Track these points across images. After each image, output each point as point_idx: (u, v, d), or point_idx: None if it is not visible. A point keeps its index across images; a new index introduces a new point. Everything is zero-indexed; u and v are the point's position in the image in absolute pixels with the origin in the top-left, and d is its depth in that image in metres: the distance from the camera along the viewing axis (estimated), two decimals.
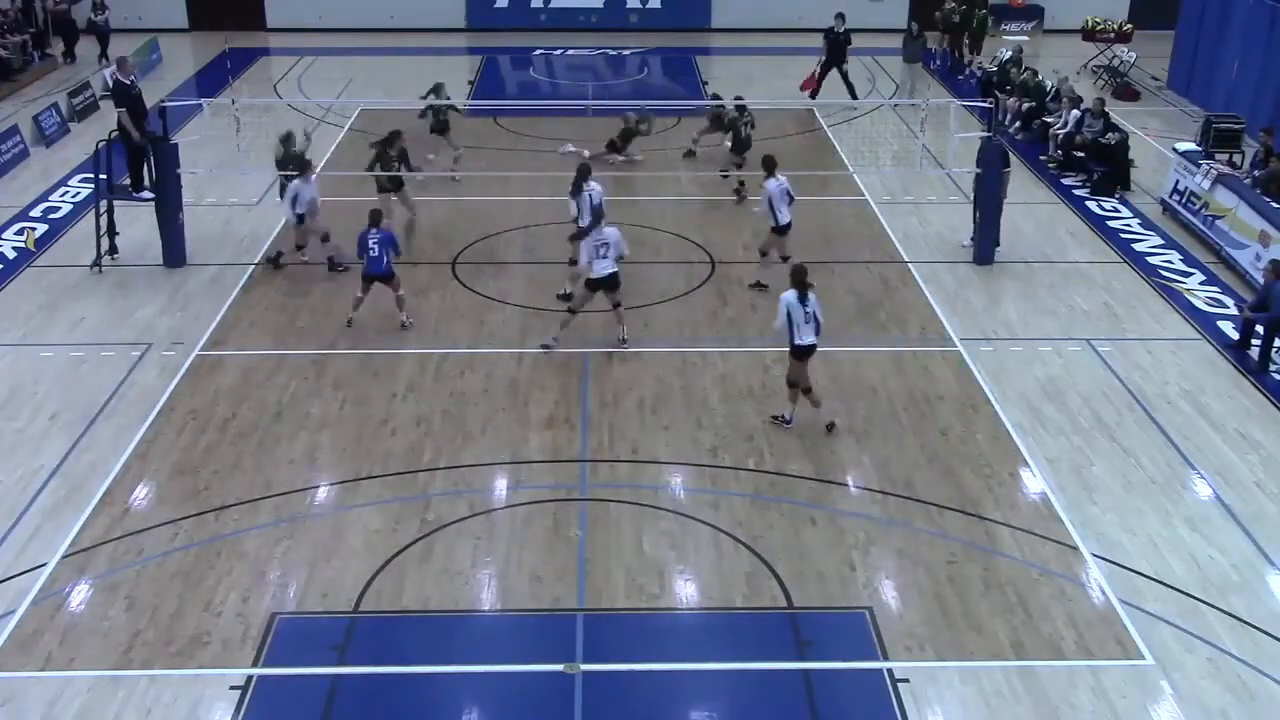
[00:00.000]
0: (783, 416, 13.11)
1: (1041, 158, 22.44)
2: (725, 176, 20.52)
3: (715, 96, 22.61)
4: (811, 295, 12.70)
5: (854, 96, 25.70)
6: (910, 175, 20.72)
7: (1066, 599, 10.47)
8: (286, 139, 17.61)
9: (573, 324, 14.70)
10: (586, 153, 21.16)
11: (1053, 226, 19.26)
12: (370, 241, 14.92)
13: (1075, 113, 22.42)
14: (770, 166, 16.22)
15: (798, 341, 12.67)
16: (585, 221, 15.43)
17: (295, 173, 17.02)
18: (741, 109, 20.73)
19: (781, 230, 16.23)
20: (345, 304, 15.98)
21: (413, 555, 10.97)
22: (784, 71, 24.58)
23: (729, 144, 20.62)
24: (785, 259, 15.81)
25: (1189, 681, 9.53)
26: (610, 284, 14.56)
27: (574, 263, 15.50)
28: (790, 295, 12.59)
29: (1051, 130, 22.98)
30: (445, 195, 19.95)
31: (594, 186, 15.69)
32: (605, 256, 14.41)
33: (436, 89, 21.57)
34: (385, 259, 14.92)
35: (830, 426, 12.99)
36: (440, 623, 10.23)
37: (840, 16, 25.70)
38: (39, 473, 12.28)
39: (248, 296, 16.41)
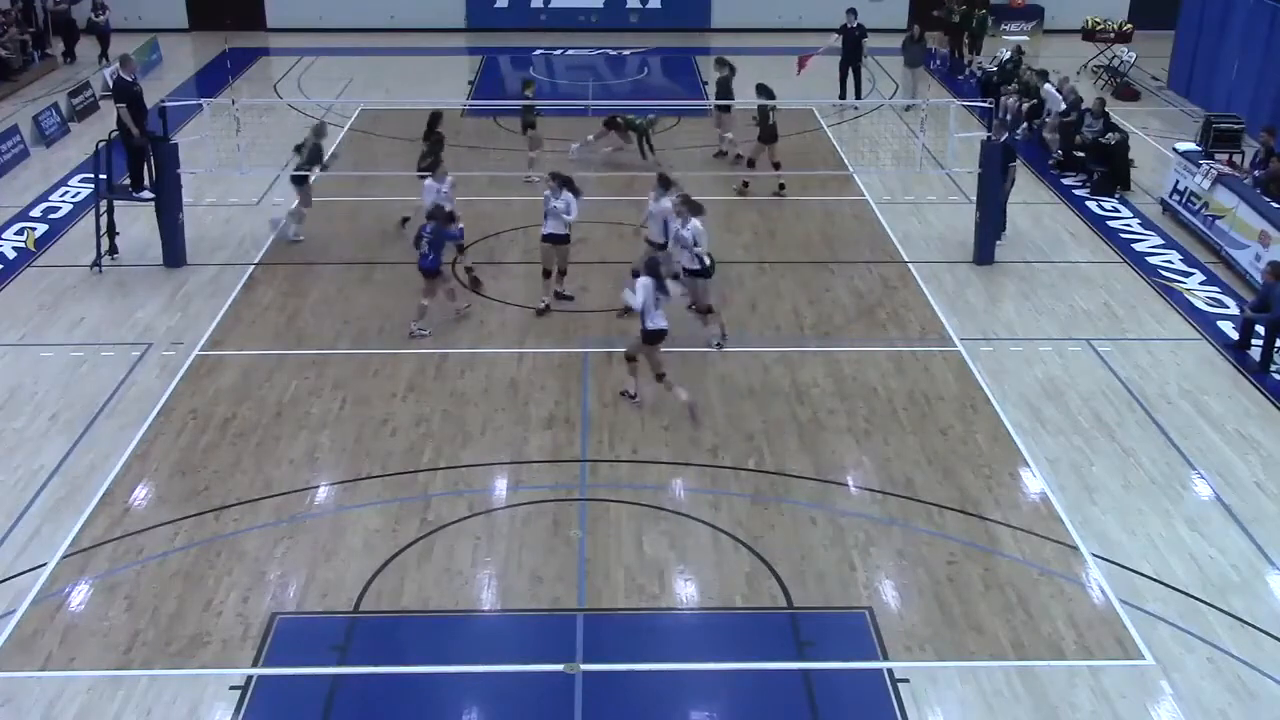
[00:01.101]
0: (628, 392, 13.54)
1: (1051, 159, 22.35)
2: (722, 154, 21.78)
3: (763, 90, 20.36)
4: (668, 283, 13.11)
5: (858, 96, 25.69)
6: (910, 175, 20.72)
7: (1066, 599, 10.47)
8: (318, 131, 18.12)
9: (575, 325, 14.69)
10: (591, 137, 21.64)
11: (1053, 226, 19.26)
12: (423, 237, 14.81)
13: (1050, 87, 22.75)
14: (665, 184, 15.54)
15: (651, 325, 12.98)
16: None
17: (306, 172, 17.57)
18: (768, 97, 19.86)
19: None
20: (345, 304, 16.07)
21: (413, 555, 10.97)
22: (784, 72, 24.49)
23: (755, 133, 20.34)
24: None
25: (1189, 681, 9.53)
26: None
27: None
28: (649, 281, 12.89)
29: (1036, 130, 23.13)
30: None
31: (545, 192, 15.55)
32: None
33: (527, 83, 22.01)
34: (432, 255, 14.77)
35: (688, 411, 13.15)
36: (440, 623, 10.22)
37: (852, 11, 25.60)
38: (39, 473, 12.27)
39: (248, 296, 16.40)
